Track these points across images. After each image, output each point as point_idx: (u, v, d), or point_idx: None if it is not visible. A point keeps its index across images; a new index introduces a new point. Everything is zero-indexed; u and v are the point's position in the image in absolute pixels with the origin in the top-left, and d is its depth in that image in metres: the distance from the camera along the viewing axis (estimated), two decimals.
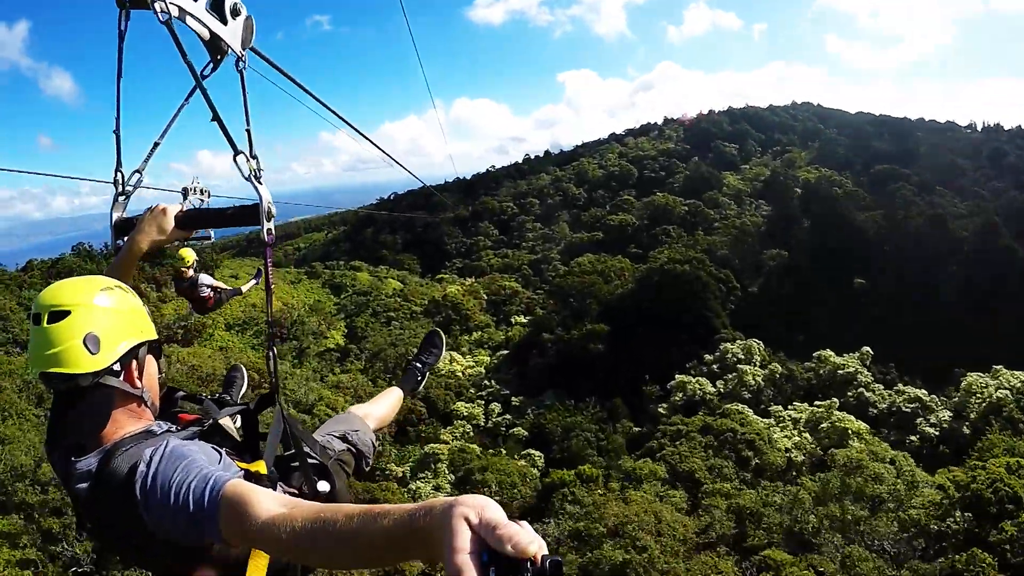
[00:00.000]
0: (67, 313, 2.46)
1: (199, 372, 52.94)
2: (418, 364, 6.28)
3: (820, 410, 52.42)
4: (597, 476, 44.11)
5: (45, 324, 2.46)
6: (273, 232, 3.03)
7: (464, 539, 1.31)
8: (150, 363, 2.79)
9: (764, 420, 52.57)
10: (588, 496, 38.20)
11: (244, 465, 2.82)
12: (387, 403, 5.49)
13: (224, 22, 2.84)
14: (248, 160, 2.99)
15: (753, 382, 58.91)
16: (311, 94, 4.81)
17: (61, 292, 2.54)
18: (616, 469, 44.53)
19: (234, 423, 3.66)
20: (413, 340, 76.98)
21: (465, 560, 1.28)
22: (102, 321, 2.52)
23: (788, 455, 46.34)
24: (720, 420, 46.08)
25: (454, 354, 77.45)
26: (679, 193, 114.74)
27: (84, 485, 2.46)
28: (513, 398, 67.13)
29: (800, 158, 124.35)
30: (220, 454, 2.70)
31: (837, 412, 51.52)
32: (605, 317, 70.52)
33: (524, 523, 1.33)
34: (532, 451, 56.96)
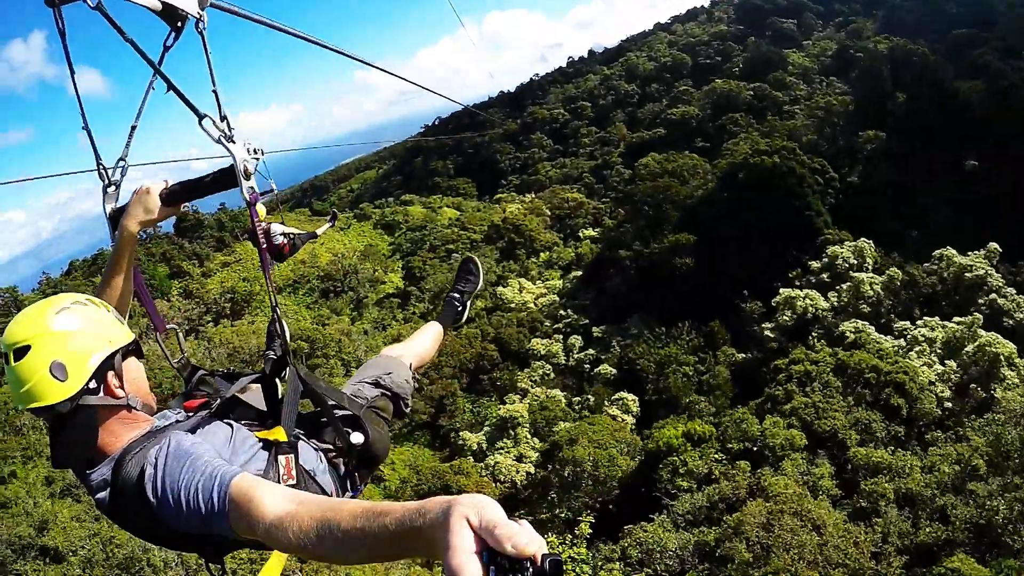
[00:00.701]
0: (28, 348, 2.34)
1: (241, 354, 46.05)
2: (456, 295, 5.57)
3: (959, 328, 41.84)
4: (710, 436, 34.89)
5: (12, 363, 2.36)
6: (256, 190, 2.84)
7: (464, 539, 1.28)
8: (130, 367, 2.62)
9: (890, 339, 42.66)
10: (709, 480, 29.35)
11: (261, 434, 2.81)
12: (425, 339, 5.00)
13: None
14: (215, 123, 2.75)
15: (871, 292, 48.11)
16: (294, 33, 4.00)
17: (18, 327, 2.40)
18: (732, 426, 34.96)
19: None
20: None
21: (465, 560, 1.26)
22: (63, 346, 2.38)
23: (934, 391, 36.30)
24: (856, 355, 35.85)
25: (523, 281, 68.43)
26: (740, 78, 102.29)
27: (103, 494, 2.44)
28: (594, 328, 58.01)
29: (866, 28, 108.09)
30: (231, 433, 2.76)
31: (981, 331, 40.93)
32: (688, 225, 59.82)
33: (524, 522, 1.30)
34: (624, 394, 48.09)
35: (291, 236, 11.54)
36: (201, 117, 2.70)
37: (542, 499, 39.80)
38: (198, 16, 2.73)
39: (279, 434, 2.80)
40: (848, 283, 48.85)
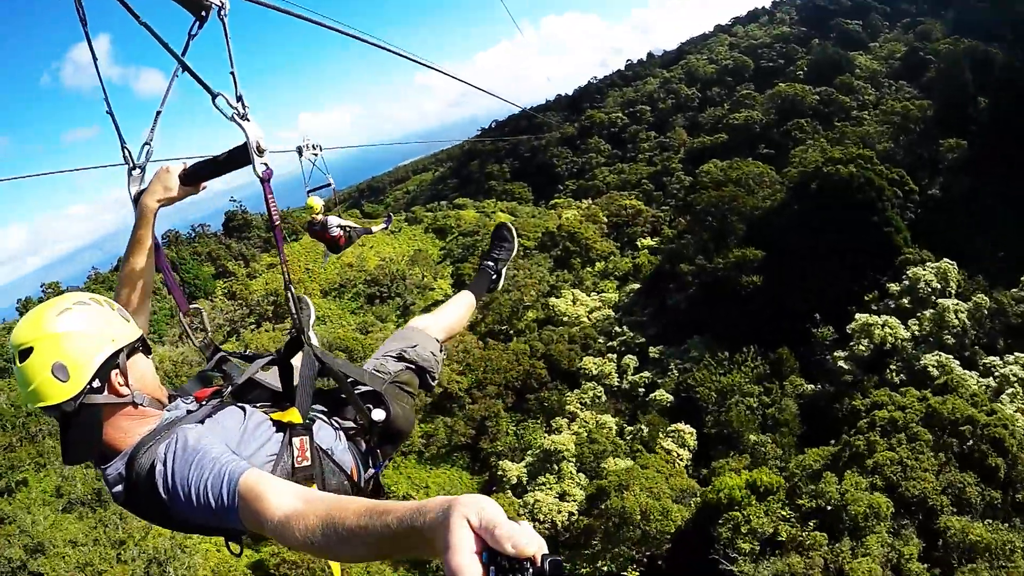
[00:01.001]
0: (31, 350, 2.37)
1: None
2: (489, 263, 5.35)
3: None
4: (777, 487, 30.74)
5: (18, 364, 2.39)
6: (269, 167, 2.78)
7: (464, 539, 1.27)
8: (136, 364, 2.63)
9: (974, 376, 38.06)
10: (775, 543, 25.32)
11: (276, 416, 2.79)
12: (455, 309, 4.77)
13: None
14: (229, 101, 2.73)
15: (956, 321, 42.83)
16: (324, 25, 4.32)
17: (22, 329, 2.43)
18: (804, 479, 30.52)
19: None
20: (528, 283, 65.65)
21: (465, 560, 1.24)
22: (65, 347, 2.40)
23: None
24: (949, 402, 30.71)
25: (576, 292, 64.53)
26: (804, 81, 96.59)
27: (118, 488, 2.47)
28: (651, 348, 53.63)
29: (936, 29, 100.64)
30: (244, 418, 2.74)
31: None
32: (755, 238, 54.89)
33: (524, 522, 1.28)
34: (681, 426, 44.00)
35: (347, 228, 12.07)
36: (215, 96, 2.66)
37: (584, 547, 36.31)
38: (220, 4, 2.72)
39: (293, 416, 2.75)
40: (931, 310, 43.74)
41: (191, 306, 3.32)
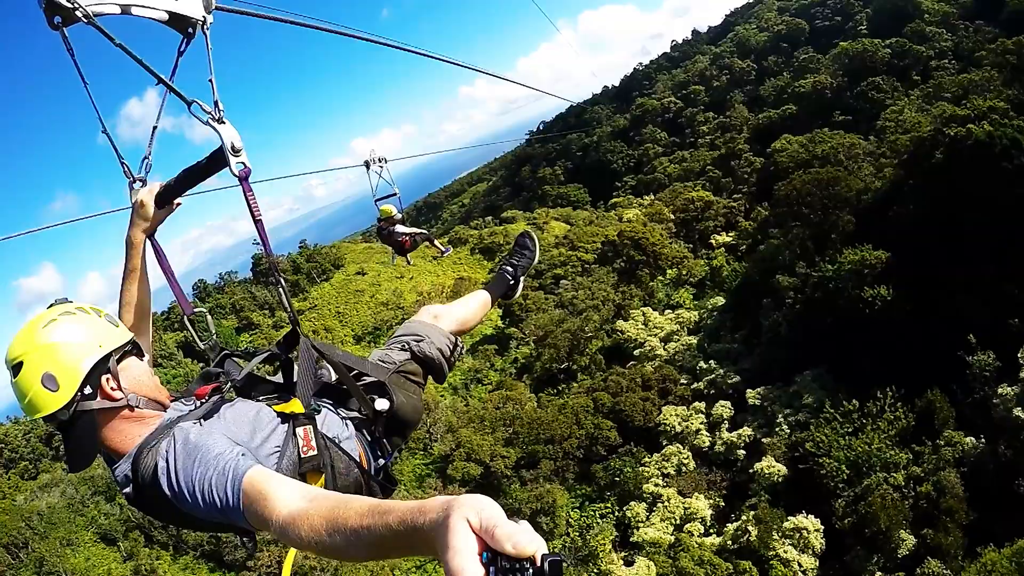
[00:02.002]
0: (21, 364, 2.33)
1: None
2: (508, 268, 4.84)
3: None
4: None
5: (13, 379, 2.38)
6: (247, 165, 2.62)
7: (463, 539, 1.21)
8: (128, 367, 2.52)
9: None
10: None
11: (280, 407, 2.69)
12: (470, 305, 4.37)
13: None
14: (204, 107, 2.60)
15: None
16: (330, 30, 4.53)
17: (13, 345, 2.41)
18: None
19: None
20: (589, 306, 53.75)
21: (465, 560, 1.19)
22: (51, 358, 2.34)
23: None
24: None
25: (648, 312, 51.83)
26: (870, 36, 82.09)
27: (128, 490, 2.40)
28: (748, 391, 39.37)
29: None
30: (247, 412, 2.62)
31: None
32: (869, 233, 39.68)
33: (524, 522, 1.22)
34: (801, 521, 30.48)
35: (412, 234, 12.35)
36: (189, 103, 2.58)
37: None
38: (203, 19, 2.74)
39: (295, 406, 2.66)
40: None
41: (195, 309, 3.05)
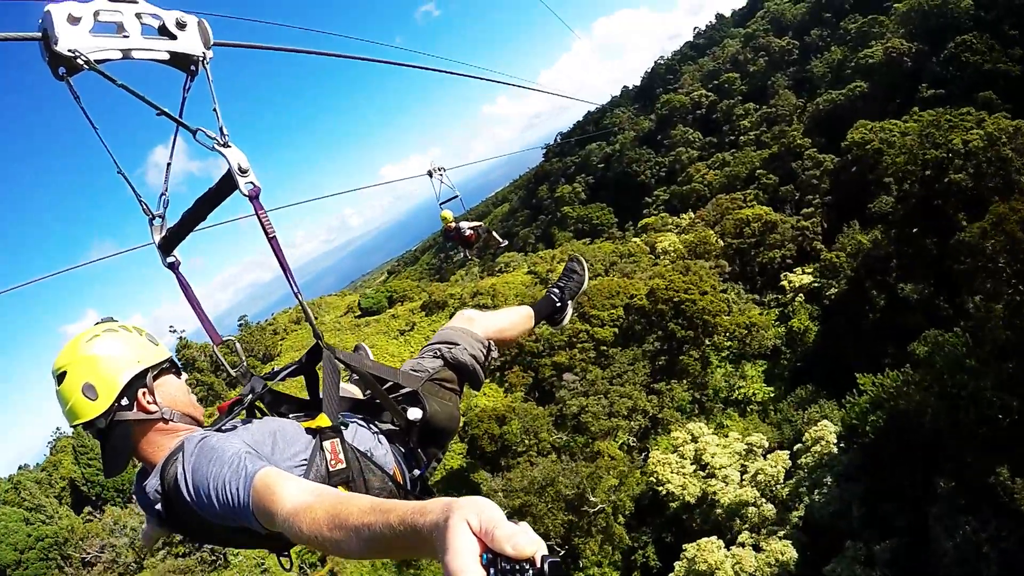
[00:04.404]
0: (65, 373, 2.37)
1: None
2: (556, 290, 4.41)
3: None
4: None
5: (56, 387, 2.41)
6: (256, 184, 2.50)
7: (463, 540, 1.16)
8: (165, 384, 2.53)
9: None
10: None
11: (306, 424, 2.56)
12: (510, 315, 3.98)
13: (173, 37, 2.57)
14: (208, 134, 2.51)
15: None
16: (330, 55, 4.18)
17: (59, 356, 2.44)
18: None
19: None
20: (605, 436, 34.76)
21: (465, 561, 1.14)
22: (93, 369, 2.37)
23: None
24: None
25: (699, 430, 32.63)
26: None
27: (159, 506, 2.35)
28: None
29: None
30: (273, 427, 2.50)
31: None
32: None
33: (524, 524, 1.18)
34: None
35: (476, 228, 12.17)
36: (194, 132, 2.51)
37: None
38: (202, 55, 2.66)
39: (323, 420, 2.49)
40: None
41: (224, 338, 2.92)
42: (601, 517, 28.72)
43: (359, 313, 56.33)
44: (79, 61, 2.21)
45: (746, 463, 28.91)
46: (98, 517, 39.35)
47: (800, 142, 56.93)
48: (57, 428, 52.46)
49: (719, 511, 27.37)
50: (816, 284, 39.56)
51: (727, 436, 30.94)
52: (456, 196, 11.78)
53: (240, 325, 59.56)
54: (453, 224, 12.41)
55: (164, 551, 33.94)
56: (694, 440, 30.51)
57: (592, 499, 28.18)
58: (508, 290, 48.12)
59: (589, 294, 40.77)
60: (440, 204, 11.88)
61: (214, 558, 31.55)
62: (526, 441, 33.56)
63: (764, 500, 27.14)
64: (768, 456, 28.60)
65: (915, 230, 31.29)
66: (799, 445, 28.30)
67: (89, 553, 36.38)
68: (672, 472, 29.33)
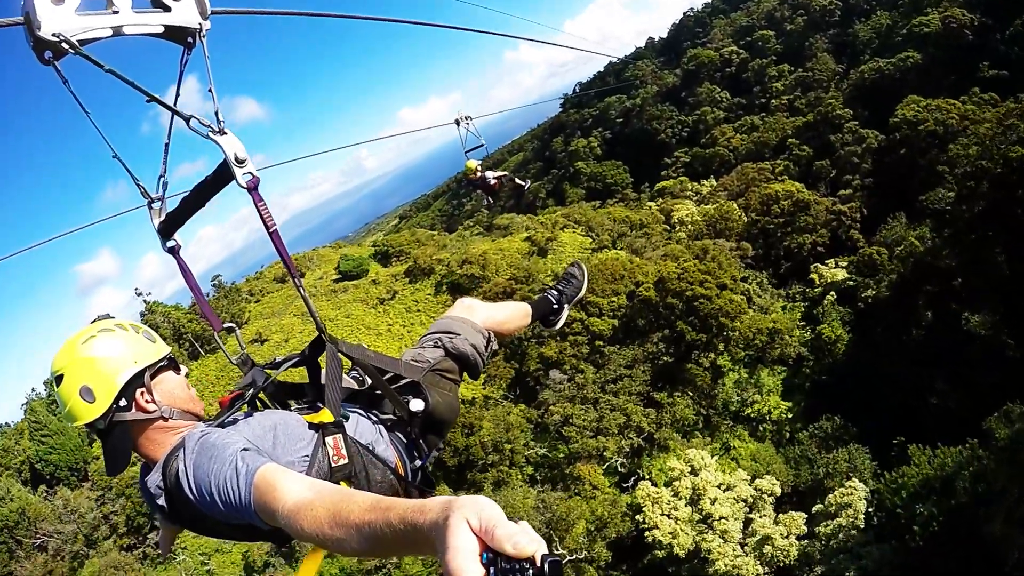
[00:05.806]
0: (62, 376, 2.31)
1: None
2: (554, 292, 4.20)
3: None
4: None
5: (55, 389, 2.37)
6: (254, 175, 2.35)
7: (463, 539, 1.14)
8: (163, 381, 2.45)
9: None
10: None
11: (309, 418, 2.48)
12: (507, 308, 3.80)
13: (168, 9, 2.39)
14: (202, 121, 2.38)
15: None
16: (332, 15, 4.07)
17: (56, 358, 2.38)
18: None
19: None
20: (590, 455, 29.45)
21: (464, 560, 1.12)
22: (89, 372, 2.31)
23: None
24: None
25: (703, 459, 28.00)
26: None
27: (162, 500, 2.30)
28: None
29: None
30: (274, 421, 2.42)
31: None
32: None
33: (524, 523, 1.16)
34: None
35: (500, 177, 12.86)
36: (187, 119, 2.36)
37: None
38: (199, 26, 2.50)
39: (325, 416, 2.43)
40: None
41: (224, 325, 2.82)
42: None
43: (337, 276, 50.61)
44: (64, 45, 2.05)
45: (752, 515, 24.08)
46: (50, 499, 35.45)
47: (840, 112, 50.53)
48: (32, 389, 48.24)
49: (712, 573, 22.65)
50: (851, 282, 34.11)
51: (732, 470, 26.04)
52: (482, 145, 11.67)
53: (214, 285, 54.52)
54: (479, 173, 12.55)
55: (111, 540, 30.08)
56: (693, 473, 25.59)
57: (559, 551, 23.39)
58: (500, 259, 42.63)
59: (591, 271, 35.36)
60: (466, 153, 11.80)
61: (158, 553, 27.60)
62: (493, 457, 28.92)
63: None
64: (780, 515, 23.74)
65: (981, 238, 25.69)
66: (819, 506, 23.38)
67: (40, 538, 32.64)
68: (662, 514, 24.49)
